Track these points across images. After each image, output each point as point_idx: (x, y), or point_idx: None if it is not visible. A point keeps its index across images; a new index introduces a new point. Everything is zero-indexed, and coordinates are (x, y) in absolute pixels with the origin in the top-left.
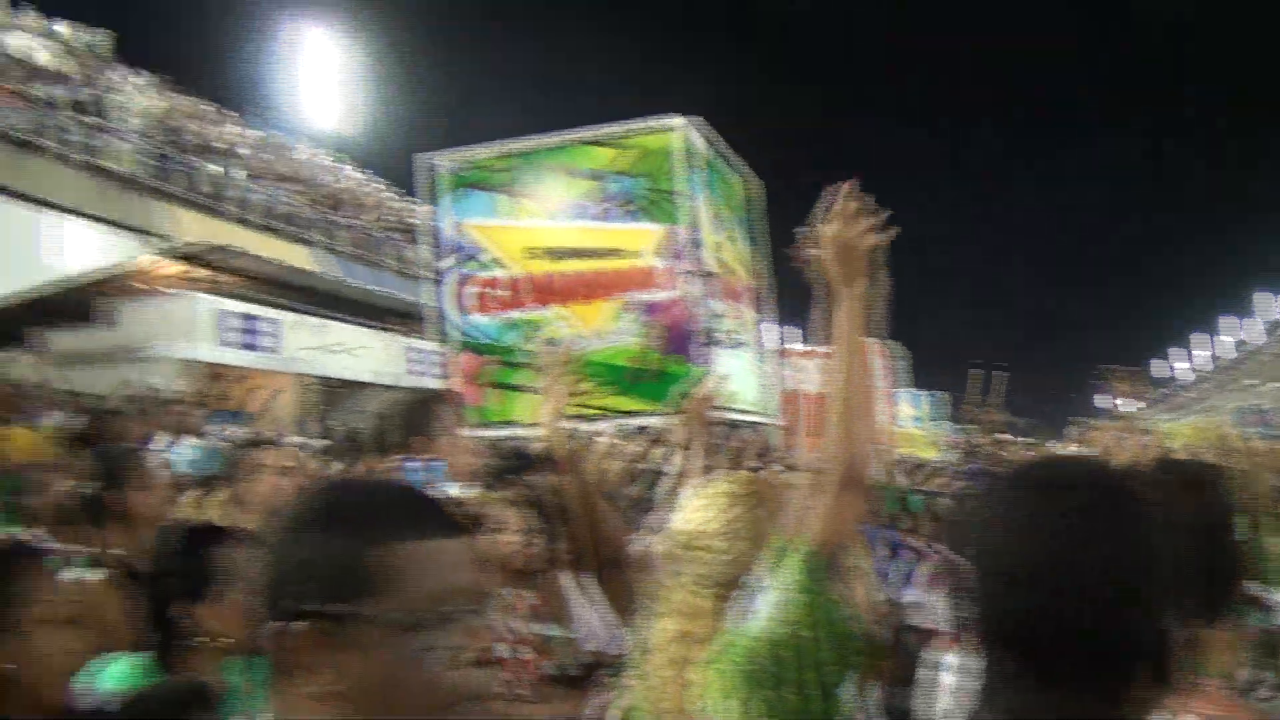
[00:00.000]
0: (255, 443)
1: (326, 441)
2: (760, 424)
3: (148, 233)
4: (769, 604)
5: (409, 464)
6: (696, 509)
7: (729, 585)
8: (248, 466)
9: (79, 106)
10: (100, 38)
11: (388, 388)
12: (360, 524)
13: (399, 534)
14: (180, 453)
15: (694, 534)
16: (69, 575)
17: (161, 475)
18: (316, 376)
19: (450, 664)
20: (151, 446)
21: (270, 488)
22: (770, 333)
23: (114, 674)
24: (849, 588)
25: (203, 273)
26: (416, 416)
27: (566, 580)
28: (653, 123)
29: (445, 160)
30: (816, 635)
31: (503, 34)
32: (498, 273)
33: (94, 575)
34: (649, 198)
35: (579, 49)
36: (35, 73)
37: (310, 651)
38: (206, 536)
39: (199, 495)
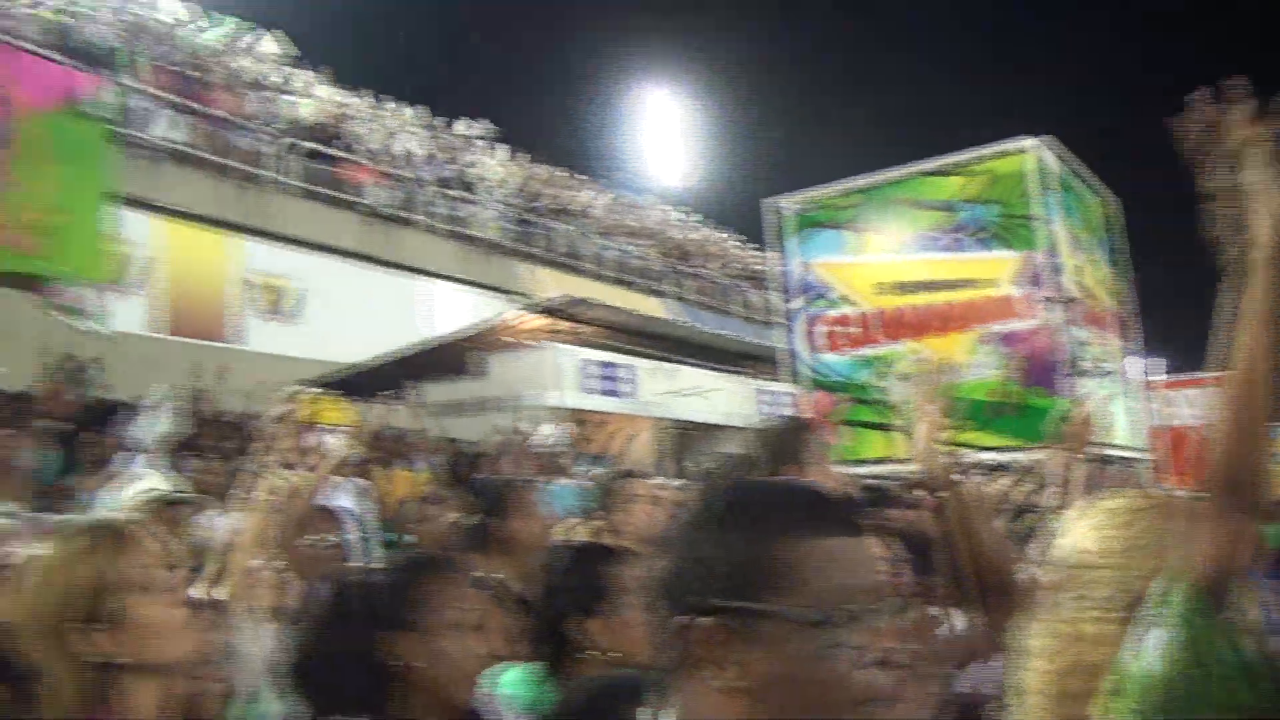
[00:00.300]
0: (628, 474)
1: (684, 481)
2: (1130, 459)
3: (511, 292)
4: (1158, 640)
5: None
6: (1090, 528)
7: (1132, 606)
8: (621, 497)
9: (444, 182)
10: (477, 129)
11: (739, 429)
12: (766, 520)
13: (805, 530)
14: (552, 492)
15: (1095, 553)
16: None
17: (540, 505)
18: (671, 420)
19: (856, 663)
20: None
21: (644, 516)
22: (1136, 361)
23: (510, 680)
24: (1243, 618)
25: (564, 325)
26: (787, 444)
27: (938, 613)
28: (1003, 146)
29: (790, 202)
30: (1208, 673)
31: (839, 75)
32: (847, 310)
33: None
34: (1003, 224)
35: (919, 81)
36: (404, 156)
37: (715, 647)
38: (596, 555)
39: (572, 525)
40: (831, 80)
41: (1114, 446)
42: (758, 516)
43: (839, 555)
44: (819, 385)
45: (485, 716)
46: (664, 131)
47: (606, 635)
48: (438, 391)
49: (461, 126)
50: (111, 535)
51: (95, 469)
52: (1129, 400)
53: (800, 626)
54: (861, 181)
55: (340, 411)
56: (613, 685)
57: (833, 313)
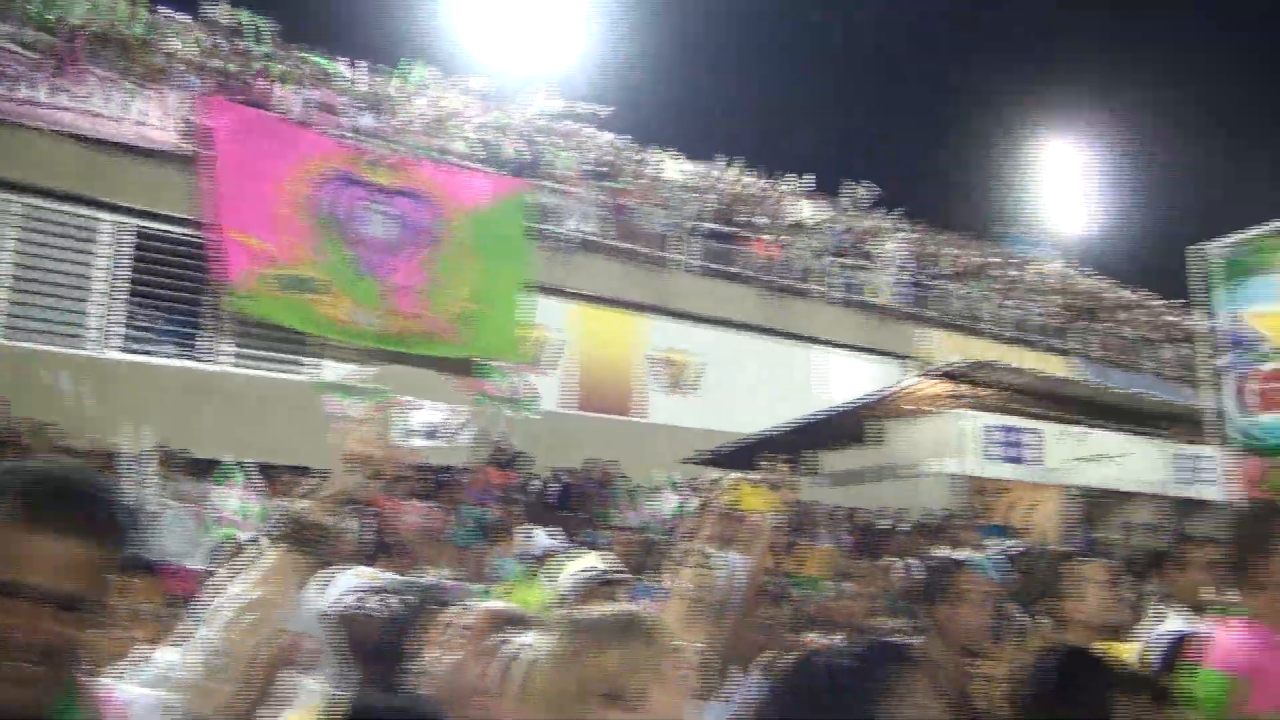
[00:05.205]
0: (1075, 555)
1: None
2: None
3: (909, 358)
4: None
5: None
6: None
7: None
8: (1071, 580)
9: (839, 252)
10: (864, 193)
11: (1152, 497)
12: None
13: None
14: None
15: None
16: None
17: (978, 586)
18: (1079, 487)
19: None
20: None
21: (1097, 603)
22: None
23: None
24: None
25: (965, 390)
26: (1258, 531)
27: None
28: None
29: (1218, 247)
30: None
31: (1254, 115)
32: None
33: None
34: None
35: None
36: (796, 227)
37: None
38: (1096, 671)
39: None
40: (1245, 120)
41: None
42: None
43: None
44: (1250, 449)
45: None
46: (1062, 184)
47: None
48: (833, 460)
49: (853, 192)
50: (641, 630)
51: (500, 538)
52: None
53: None
54: None
55: (762, 496)
56: None
57: (1266, 368)
